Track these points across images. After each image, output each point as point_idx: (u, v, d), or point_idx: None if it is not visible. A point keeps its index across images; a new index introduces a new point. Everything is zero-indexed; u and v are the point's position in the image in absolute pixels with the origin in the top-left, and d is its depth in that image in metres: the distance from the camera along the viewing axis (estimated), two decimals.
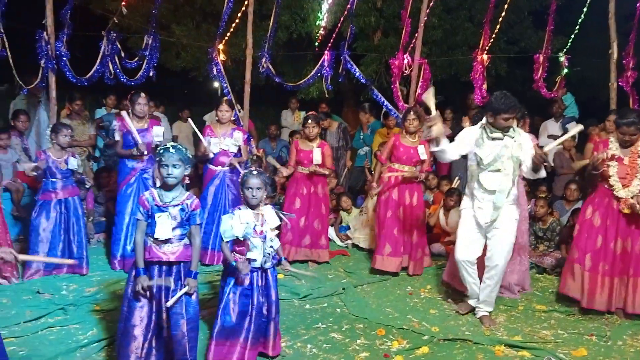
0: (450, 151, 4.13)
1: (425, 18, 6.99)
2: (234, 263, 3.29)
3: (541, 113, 7.39)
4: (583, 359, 3.64)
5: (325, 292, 4.65)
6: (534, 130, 6.21)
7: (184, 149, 3.11)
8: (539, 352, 3.67)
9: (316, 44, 8.29)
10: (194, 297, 3.13)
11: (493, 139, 3.99)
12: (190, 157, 3.14)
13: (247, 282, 3.33)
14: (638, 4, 6.45)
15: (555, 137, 6.79)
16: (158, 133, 5.17)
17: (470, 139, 4.10)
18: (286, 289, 4.67)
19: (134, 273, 3.13)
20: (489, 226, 4.06)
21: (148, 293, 3.08)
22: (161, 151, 3.08)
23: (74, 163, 4.90)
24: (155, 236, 3.05)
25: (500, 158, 3.96)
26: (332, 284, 4.94)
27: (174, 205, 3.08)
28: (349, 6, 7.28)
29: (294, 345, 3.69)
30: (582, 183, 6.11)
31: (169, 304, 3.04)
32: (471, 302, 4.31)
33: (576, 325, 4.19)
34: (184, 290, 3.07)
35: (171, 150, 3.05)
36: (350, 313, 4.27)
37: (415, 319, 4.20)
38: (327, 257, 5.49)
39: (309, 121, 5.36)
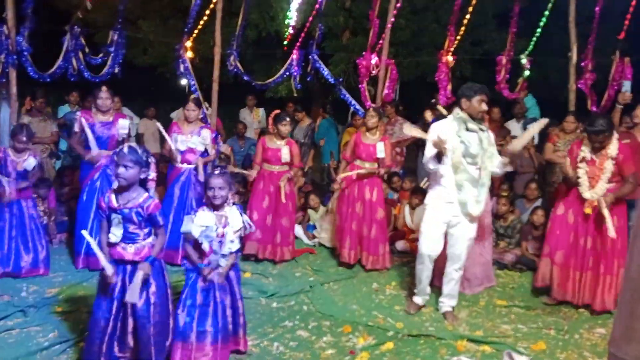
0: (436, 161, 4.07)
1: (393, 19, 7.07)
2: (200, 265, 3.27)
3: (504, 114, 7.56)
4: (542, 353, 3.75)
5: (292, 290, 4.67)
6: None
7: (140, 151, 3.03)
8: (500, 346, 3.77)
9: (285, 42, 8.29)
10: (152, 297, 3.07)
11: (469, 129, 4.00)
12: (149, 160, 3.08)
13: (207, 278, 3.31)
14: (597, 8, 6.68)
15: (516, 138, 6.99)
16: (124, 126, 5.10)
17: (448, 131, 4.02)
18: (253, 288, 4.67)
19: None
20: (456, 219, 4.10)
21: (110, 293, 3.04)
22: (117, 150, 3.05)
23: (32, 162, 4.75)
24: (109, 238, 3.05)
25: (480, 151, 3.99)
26: (299, 282, 4.96)
27: (129, 208, 3.02)
28: (317, 5, 7.30)
29: (261, 344, 3.70)
30: (542, 182, 6.31)
31: (128, 298, 2.98)
32: (418, 300, 4.38)
33: (535, 320, 4.31)
34: (139, 276, 2.99)
35: (125, 150, 3.00)
36: (317, 311, 4.31)
37: (380, 316, 4.26)
38: (292, 255, 5.51)
39: (287, 118, 5.36)
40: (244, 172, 5.71)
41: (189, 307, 3.28)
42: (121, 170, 2.97)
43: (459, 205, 4.05)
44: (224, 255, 3.32)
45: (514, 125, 7.16)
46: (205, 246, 3.27)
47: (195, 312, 3.28)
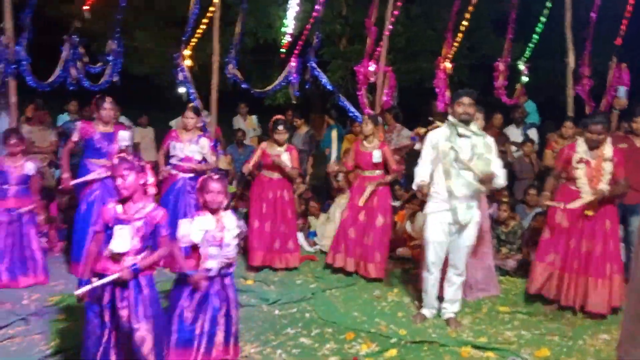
0: (427, 171, 4.20)
1: (391, 26, 7.10)
2: (189, 273, 3.24)
3: (502, 119, 7.60)
4: (546, 359, 3.75)
5: (294, 298, 4.66)
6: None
7: (129, 158, 3.06)
8: (504, 352, 3.77)
9: (282, 50, 8.31)
10: (150, 310, 3.06)
11: (461, 135, 4.05)
12: (142, 164, 3.10)
13: (203, 288, 3.28)
14: (593, 13, 6.73)
15: (516, 144, 7.01)
16: (124, 137, 5.09)
17: (440, 138, 4.13)
18: (255, 295, 4.66)
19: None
20: (457, 227, 4.12)
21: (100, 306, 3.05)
22: (109, 165, 3.08)
23: (30, 167, 4.75)
24: (111, 248, 3.01)
25: (472, 156, 4.02)
26: (301, 289, 4.95)
27: (138, 218, 3.03)
28: (315, 14, 7.32)
29: (264, 352, 3.69)
30: (541, 188, 6.31)
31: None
32: (426, 312, 4.37)
33: (538, 326, 4.30)
34: (113, 276, 2.98)
35: (115, 162, 3.02)
36: (320, 318, 4.29)
37: (383, 322, 4.25)
38: (297, 262, 5.48)
39: (280, 127, 5.34)
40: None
41: (186, 317, 3.26)
42: (119, 181, 3.00)
43: (450, 212, 4.08)
44: (225, 261, 3.31)
45: (513, 131, 7.19)
46: (207, 250, 3.25)
47: (190, 322, 3.27)
